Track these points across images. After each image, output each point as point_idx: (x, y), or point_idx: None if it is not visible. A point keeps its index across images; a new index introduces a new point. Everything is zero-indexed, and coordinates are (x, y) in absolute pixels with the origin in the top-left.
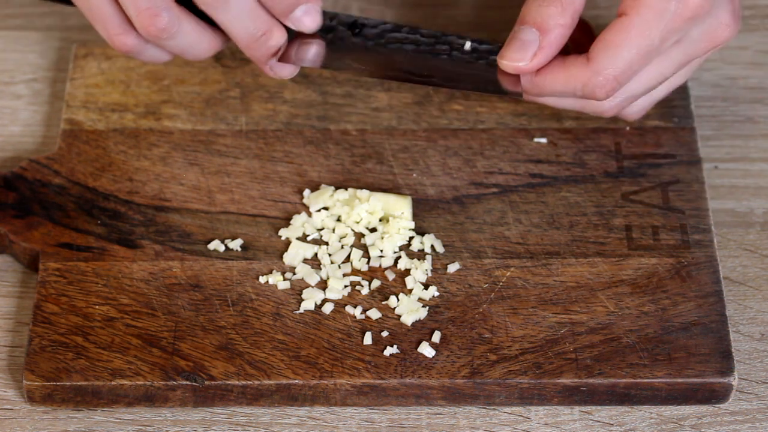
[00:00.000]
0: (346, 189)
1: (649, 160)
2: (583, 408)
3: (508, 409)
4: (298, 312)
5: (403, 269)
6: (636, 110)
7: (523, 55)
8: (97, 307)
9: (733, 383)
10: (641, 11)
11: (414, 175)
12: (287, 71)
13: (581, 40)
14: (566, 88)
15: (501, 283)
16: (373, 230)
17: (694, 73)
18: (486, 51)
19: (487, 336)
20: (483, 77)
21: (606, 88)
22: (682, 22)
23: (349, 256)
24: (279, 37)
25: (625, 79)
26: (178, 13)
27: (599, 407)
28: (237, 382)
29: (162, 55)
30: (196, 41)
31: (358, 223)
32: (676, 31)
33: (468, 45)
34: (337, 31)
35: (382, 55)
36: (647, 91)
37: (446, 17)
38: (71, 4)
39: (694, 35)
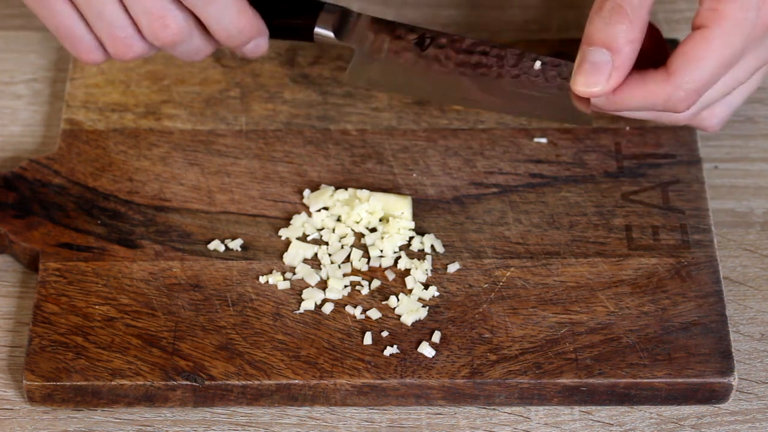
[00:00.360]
0: (346, 189)
1: (649, 160)
2: (583, 408)
3: (508, 409)
4: (298, 312)
5: (403, 269)
6: (717, 121)
7: (597, 79)
8: (97, 307)
9: (733, 383)
10: (721, 23)
11: (414, 175)
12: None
13: (649, 46)
14: (646, 103)
15: (501, 283)
16: (373, 230)
17: None
18: (555, 71)
19: (487, 336)
20: (553, 104)
21: (688, 101)
22: (762, 31)
23: (349, 256)
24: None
25: (705, 90)
26: (188, 17)
27: (599, 407)
28: (237, 382)
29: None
30: (202, 45)
31: (358, 223)
32: (756, 40)
33: (538, 64)
34: (403, 48)
35: (448, 77)
36: (721, 98)
37: (446, 17)
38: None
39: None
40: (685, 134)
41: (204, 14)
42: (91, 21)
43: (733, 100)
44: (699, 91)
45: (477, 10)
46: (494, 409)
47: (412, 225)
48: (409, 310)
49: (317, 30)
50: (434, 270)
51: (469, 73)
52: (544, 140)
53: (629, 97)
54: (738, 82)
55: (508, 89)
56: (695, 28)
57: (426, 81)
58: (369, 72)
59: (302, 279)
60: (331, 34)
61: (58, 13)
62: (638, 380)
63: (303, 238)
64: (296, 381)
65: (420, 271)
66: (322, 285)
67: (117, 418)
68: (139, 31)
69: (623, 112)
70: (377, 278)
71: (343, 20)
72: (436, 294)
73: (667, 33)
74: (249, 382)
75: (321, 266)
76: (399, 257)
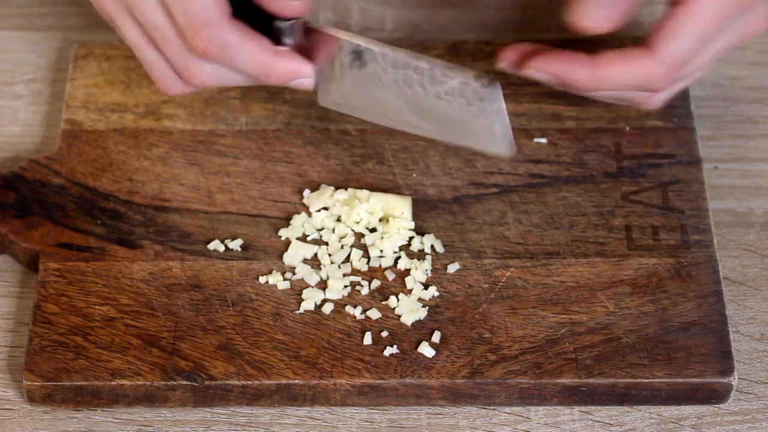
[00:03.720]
0: (346, 189)
1: (649, 160)
2: (583, 408)
3: (508, 409)
4: (298, 312)
5: (403, 269)
6: (657, 99)
7: (600, 11)
8: (97, 307)
9: (733, 383)
10: None
11: (414, 175)
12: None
13: None
14: (627, 80)
15: (501, 283)
16: (373, 230)
17: None
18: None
19: (487, 336)
20: (475, 130)
21: (668, 77)
22: (737, 9)
23: (349, 256)
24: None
25: (683, 66)
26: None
27: (599, 407)
28: (237, 382)
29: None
30: (251, 79)
31: (358, 223)
32: (731, 18)
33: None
34: (346, 65)
35: (384, 99)
36: (688, 78)
37: (446, 17)
38: None
39: (737, 25)
40: (685, 134)
41: (230, 64)
42: (139, 60)
43: (678, 84)
44: (678, 66)
45: (477, 10)
46: (494, 409)
47: (412, 225)
48: (409, 310)
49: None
50: (434, 270)
51: (398, 92)
52: (544, 140)
53: (612, 73)
54: (703, 65)
55: (433, 112)
56: (673, 5)
57: (373, 103)
58: (331, 95)
59: (302, 279)
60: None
61: (126, 37)
62: (638, 380)
63: (303, 238)
64: (296, 381)
65: (420, 271)
66: (322, 285)
67: (117, 418)
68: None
69: (601, 93)
70: (377, 278)
71: (305, 31)
72: (436, 294)
73: None
74: (249, 382)
75: (321, 266)
76: (399, 257)
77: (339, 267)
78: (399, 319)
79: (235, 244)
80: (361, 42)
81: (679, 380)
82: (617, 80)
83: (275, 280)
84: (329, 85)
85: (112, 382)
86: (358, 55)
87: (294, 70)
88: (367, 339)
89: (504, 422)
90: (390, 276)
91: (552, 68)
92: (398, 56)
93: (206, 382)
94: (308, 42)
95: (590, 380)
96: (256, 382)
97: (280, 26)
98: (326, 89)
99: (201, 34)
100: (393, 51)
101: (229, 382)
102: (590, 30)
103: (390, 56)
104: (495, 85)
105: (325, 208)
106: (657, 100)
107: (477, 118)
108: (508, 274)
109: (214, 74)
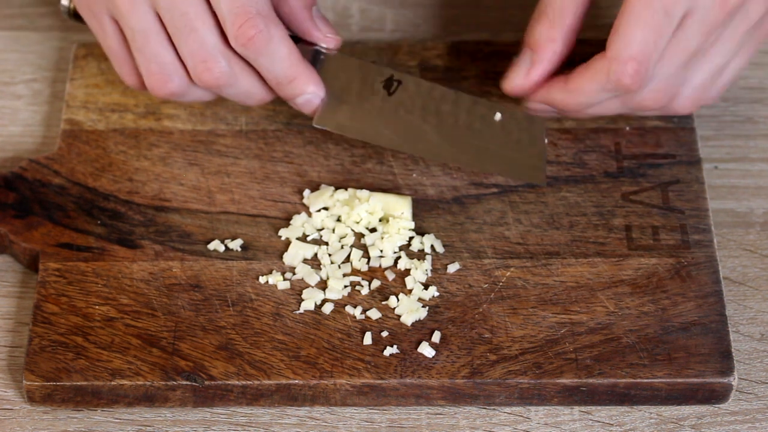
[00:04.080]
0: (346, 189)
1: (649, 160)
2: (583, 408)
3: (508, 409)
4: (298, 312)
5: (403, 269)
6: (684, 102)
7: (516, 73)
8: (97, 307)
9: (733, 383)
10: None
11: (414, 175)
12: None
13: None
14: (597, 86)
15: (501, 283)
16: (373, 230)
17: None
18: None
19: (487, 336)
20: (509, 159)
21: (629, 71)
22: None
23: (349, 256)
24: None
25: (645, 58)
26: (235, 63)
27: (599, 407)
28: (237, 382)
29: (205, 96)
30: (252, 90)
31: (358, 223)
32: (680, 7)
33: (498, 116)
34: (371, 90)
35: (412, 125)
36: (677, 72)
37: (446, 17)
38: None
39: (705, 3)
40: (685, 134)
41: (255, 61)
42: (132, 50)
43: (696, 80)
44: (637, 58)
45: (477, 10)
46: (494, 409)
47: (412, 225)
48: (409, 310)
49: None
50: (434, 270)
51: (431, 120)
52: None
53: (581, 84)
54: (688, 52)
55: (466, 141)
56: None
57: (392, 128)
58: (338, 116)
59: (302, 279)
60: None
61: (107, 34)
62: (638, 380)
63: (303, 238)
64: (296, 381)
65: (420, 271)
66: (322, 285)
67: (117, 418)
68: (184, 69)
69: (590, 109)
70: (377, 278)
71: (315, 57)
72: (436, 294)
73: None
74: (249, 382)
75: (321, 266)
76: (399, 257)
77: (339, 267)
78: (399, 319)
79: (235, 244)
80: (393, 72)
81: (679, 380)
82: (589, 89)
83: (275, 280)
84: (337, 107)
85: (112, 382)
86: (388, 82)
87: (312, 88)
88: (367, 339)
89: (504, 422)
90: (390, 276)
91: (539, 97)
92: (433, 87)
93: (206, 382)
94: (318, 66)
95: (590, 380)
96: (256, 382)
97: (309, 50)
98: (331, 111)
99: (252, 21)
100: (427, 83)
101: (229, 382)
102: (510, 93)
103: (424, 87)
104: (540, 122)
105: (325, 208)
106: (682, 103)
107: (516, 152)
108: (508, 274)
109: (229, 72)
